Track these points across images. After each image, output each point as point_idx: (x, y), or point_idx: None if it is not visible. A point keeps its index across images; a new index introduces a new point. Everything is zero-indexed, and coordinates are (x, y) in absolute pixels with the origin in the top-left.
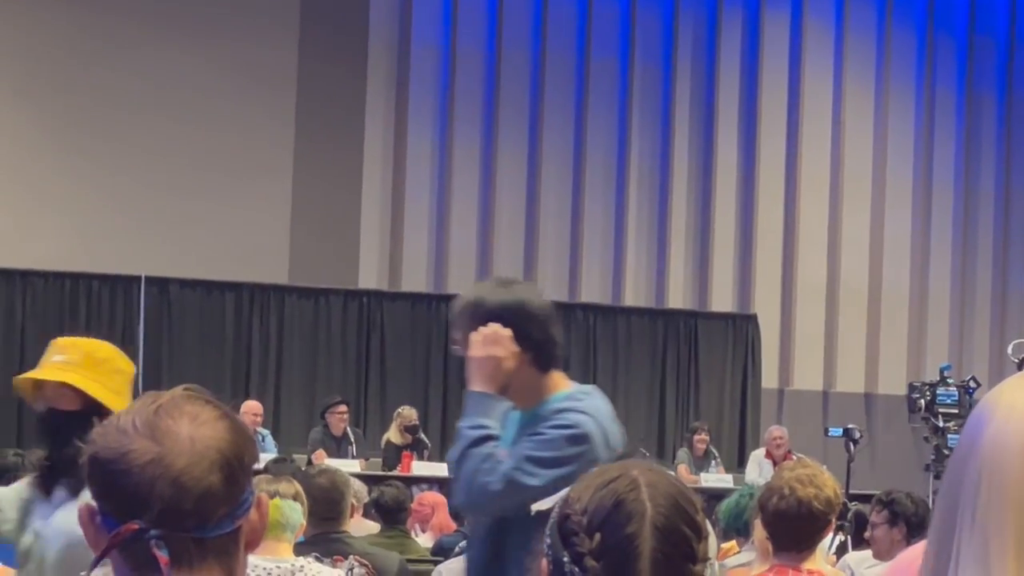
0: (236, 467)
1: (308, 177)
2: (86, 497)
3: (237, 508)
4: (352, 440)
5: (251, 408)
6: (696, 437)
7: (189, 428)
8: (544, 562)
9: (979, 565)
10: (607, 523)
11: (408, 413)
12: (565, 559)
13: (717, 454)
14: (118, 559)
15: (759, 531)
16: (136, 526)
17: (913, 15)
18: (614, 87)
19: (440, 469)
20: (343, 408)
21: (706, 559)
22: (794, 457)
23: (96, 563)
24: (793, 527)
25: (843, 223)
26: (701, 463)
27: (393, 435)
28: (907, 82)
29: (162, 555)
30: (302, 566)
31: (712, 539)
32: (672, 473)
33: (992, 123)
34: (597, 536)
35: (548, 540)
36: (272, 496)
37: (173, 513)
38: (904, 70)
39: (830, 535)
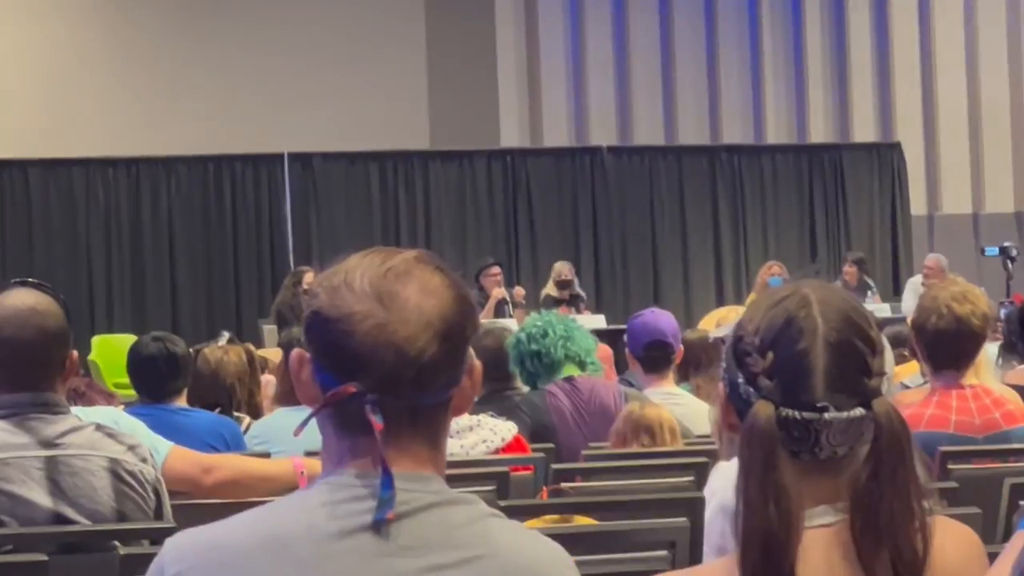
0: (458, 338)
1: (442, 40)
2: None
3: (453, 378)
4: (508, 301)
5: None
6: (848, 269)
7: (417, 296)
8: (721, 386)
9: None
10: (779, 341)
11: (560, 268)
12: (740, 380)
13: (873, 284)
14: (324, 416)
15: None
16: (354, 388)
17: None
18: None
19: (597, 321)
20: (496, 270)
21: (882, 373)
22: (952, 279)
23: (311, 417)
24: (953, 345)
25: (980, 44)
26: (857, 294)
27: (550, 290)
28: None
29: (377, 420)
30: (479, 421)
31: (888, 353)
32: (845, 290)
33: None
34: (770, 354)
35: (724, 363)
36: None
37: (392, 379)
38: None
39: (995, 347)
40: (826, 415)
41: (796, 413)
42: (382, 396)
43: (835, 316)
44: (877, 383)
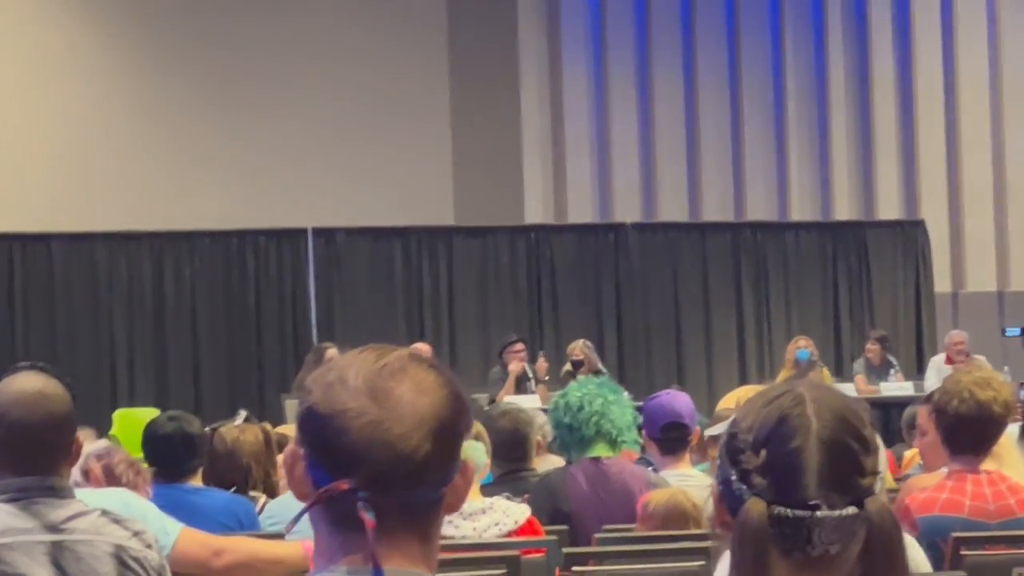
0: (451, 437)
1: (466, 116)
2: None
3: (446, 476)
4: (531, 376)
5: (421, 350)
6: (871, 347)
7: (411, 394)
8: (715, 484)
9: None
10: (772, 439)
11: (572, 347)
12: (733, 477)
13: (895, 362)
14: (317, 512)
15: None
16: (346, 486)
17: None
18: (765, 4)
19: None
20: (520, 346)
21: (875, 472)
22: (975, 359)
23: (302, 514)
24: (973, 430)
25: (1005, 121)
26: (880, 372)
27: (568, 369)
28: None
29: (369, 518)
30: (491, 504)
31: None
32: (839, 388)
33: None
34: (763, 452)
35: (718, 461)
36: None
37: (385, 477)
38: None
39: (1016, 427)
40: (818, 513)
41: (788, 511)
42: (374, 494)
43: (829, 415)
44: (870, 482)
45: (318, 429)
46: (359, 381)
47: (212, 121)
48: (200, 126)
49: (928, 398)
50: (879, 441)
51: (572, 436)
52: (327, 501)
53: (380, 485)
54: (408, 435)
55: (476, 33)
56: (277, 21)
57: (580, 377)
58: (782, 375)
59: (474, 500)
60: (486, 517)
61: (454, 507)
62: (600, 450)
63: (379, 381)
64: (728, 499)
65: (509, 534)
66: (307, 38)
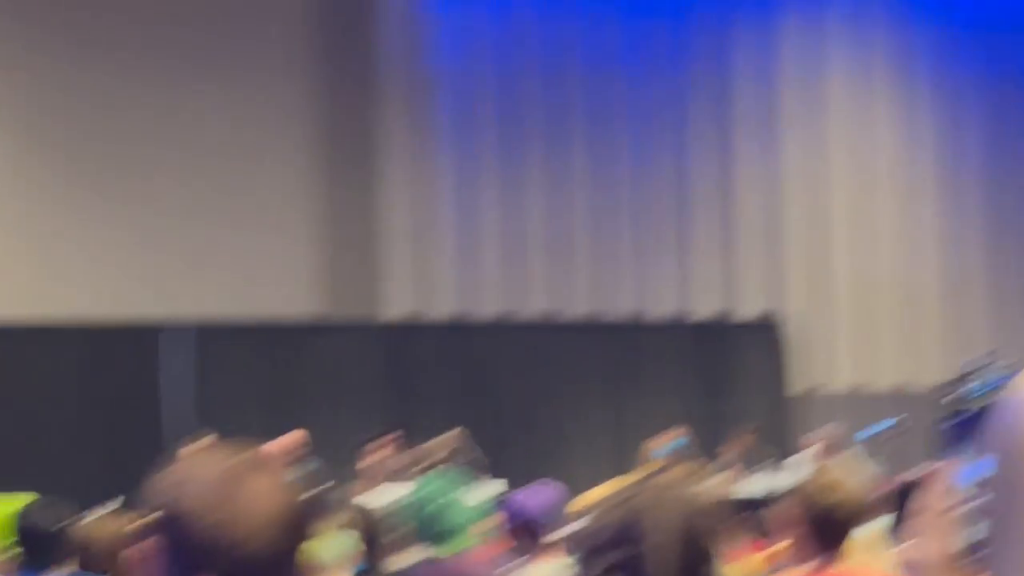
0: (297, 536)
1: (330, 211)
2: None
3: (292, 574)
4: (394, 469)
5: (286, 444)
6: (735, 444)
7: (257, 494)
8: None
9: None
10: (625, 538)
11: (445, 438)
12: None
13: (758, 460)
14: None
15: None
16: None
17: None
18: (635, 99)
19: (496, 487)
20: (385, 440)
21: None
22: (842, 455)
23: None
24: (832, 528)
25: (869, 219)
26: (743, 468)
27: (441, 459)
28: (928, 70)
29: None
30: None
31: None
32: (700, 486)
33: (1014, 107)
34: (616, 552)
35: (574, 560)
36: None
37: (232, 574)
38: (924, 58)
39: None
40: None
41: None
42: None
43: (679, 516)
44: None
45: (169, 527)
46: (209, 481)
47: (66, 216)
48: (54, 216)
49: (792, 494)
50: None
51: (421, 532)
52: None
53: None
54: (256, 534)
55: (339, 122)
56: (146, 111)
57: (430, 473)
58: (651, 467)
59: None
60: None
61: None
62: (444, 548)
63: (228, 481)
64: None
65: None
66: (171, 128)
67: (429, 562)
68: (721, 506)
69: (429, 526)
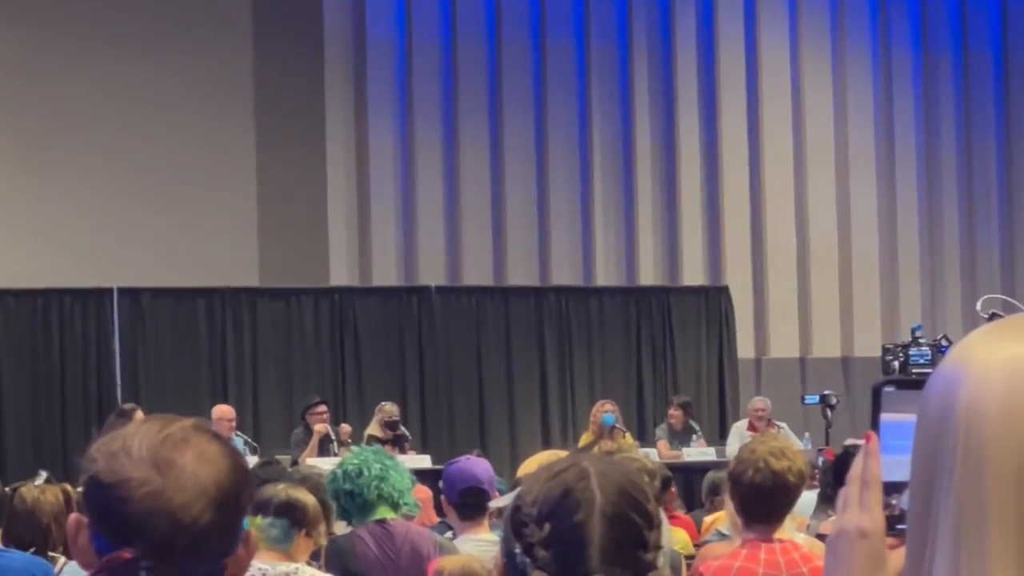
0: (233, 506)
1: (272, 180)
2: None
3: (228, 546)
4: (333, 438)
5: (223, 413)
6: (674, 412)
7: (193, 464)
8: (499, 556)
9: (957, 536)
10: (556, 512)
11: (389, 409)
12: (517, 550)
13: (698, 428)
14: None
15: (729, 504)
16: (128, 555)
17: None
18: (572, 70)
19: (422, 461)
20: (322, 408)
21: (658, 547)
22: (776, 426)
23: None
24: (767, 500)
25: (809, 190)
26: (682, 438)
27: (374, 430)
28: (863, 47)
29: None
30: (296, 568)
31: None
32: (640, 454)
33: (949, 83)
34: (547, 526)
35: (502, 533)
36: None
37: (166, 546)
38: (859, 34)
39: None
40: None
41: None
42: (156, 562)
43: (612, 489)
44: (653, 556)
45: (100, 498)
46: (142, 450)
47: (18, 182)
48: (7, 186)
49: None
50: (663, 515)
51: (354, 502)
52: (110, 570)
53: (161, 554)
54: (190, 505)
55: (282, 96)
56: (85, 86)
57: (354, 447)
58: (584, 439)
59: (279, 564)
60: None
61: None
62: (383, 512)
63: (162, 451)
64: (512, 571)
65: None
66: (113, 105)
67: (378, 523)
68: (656, 477)
69: (360, 496)
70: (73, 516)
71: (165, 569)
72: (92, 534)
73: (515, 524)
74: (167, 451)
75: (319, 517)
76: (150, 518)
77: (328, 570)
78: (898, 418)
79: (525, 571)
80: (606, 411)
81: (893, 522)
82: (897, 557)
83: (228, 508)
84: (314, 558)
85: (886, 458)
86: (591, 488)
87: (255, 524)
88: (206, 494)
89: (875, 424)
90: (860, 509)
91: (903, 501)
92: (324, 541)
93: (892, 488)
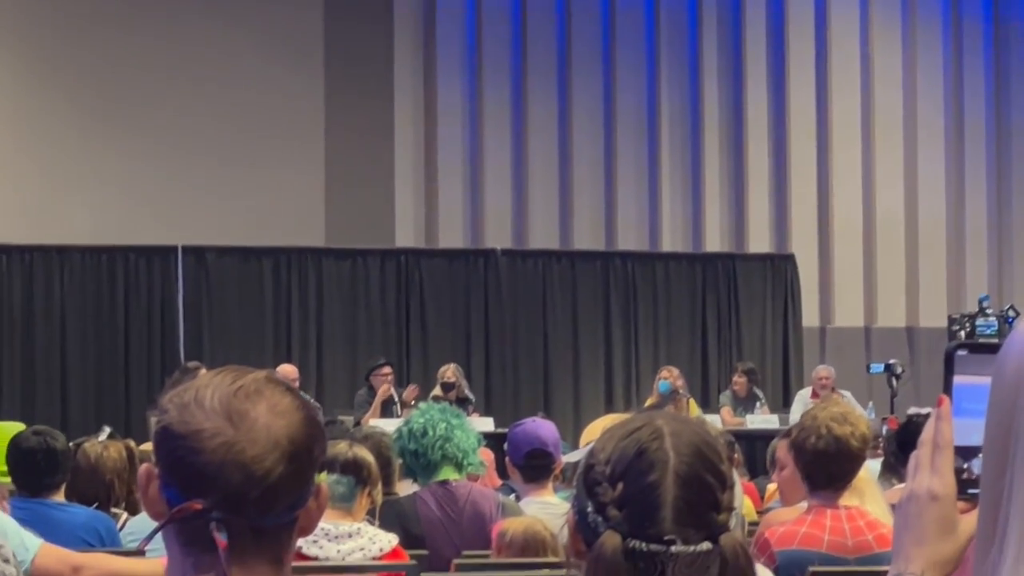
0: (305, 460)
1: (340, 139)
2: None
3: (299, 499)
4: (396, 400)
5: (287, 373)
6: (738, 379)
7: (266, 416)
8: (571, 513)
9: None
10: (629, 472)
11: (444, 370)
12: (589, 509)
13: (762, 395)
14: (170, 530)
15: (779, 475)
16: (199, 506)
17: None
18: (641, 36)
19: (485, 424)
20: (387, 370)
21: (731, 508)
22: (840, 394)
23: (155, 533)
24: (830, 466)
25: (876, 159)
26: (746, 405)
27: (437, 392)
28: (934, 16)
29: (221, 538)
30: (359, 528)
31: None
32: (704, 420)
33: (1020, 53)
34: (620, 485)
35: (574, 491)
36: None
37: (237, 499)
38: (930, 2)
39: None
40: (673, 548)
41: (643, 545)
42: (227, 514)
43: (687, 449)
44: (725, 518)
45: (172, 448)
46: (215, 402)
47: (85, 139)
48: (73, 143)
49: (788, 432)
50: (736, 476)
51: (418, 462)
52: (180, 521)
53: (233, 506)
54: (262, 457)
55: (351, 54)
56: (153, 39)
57: (422, 404)
58: (648, 404)
59: (343, 523)
60: (352, 541)
61: (307, 530)
62: (447, 473)
63: (235, 402)
64: (583, 530)
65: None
66: (182, 57)
67: (440, 484)
68: (725, 441)
69: (424, 456)
70: (144, 466)
71: (235, 521)
72: (162, 485)
73: (588, 483)
74: (240, 402)
75: (379, 477)
76: (222, 470)
77: (387, 531)
78: (971, 381)
79: (597, 530)
80: (663, 378)
81: (965, 486)
82: (969, 521)
83: (300, 461)
84: (370, 515)
85: (958, 421)
86: (665, 448)
87: (321, 480)
88: (279, 447)
89: (947, 388)
90: (931, 472)
91: (976, 464)
92: (380, 500)
93: (965, 452)
